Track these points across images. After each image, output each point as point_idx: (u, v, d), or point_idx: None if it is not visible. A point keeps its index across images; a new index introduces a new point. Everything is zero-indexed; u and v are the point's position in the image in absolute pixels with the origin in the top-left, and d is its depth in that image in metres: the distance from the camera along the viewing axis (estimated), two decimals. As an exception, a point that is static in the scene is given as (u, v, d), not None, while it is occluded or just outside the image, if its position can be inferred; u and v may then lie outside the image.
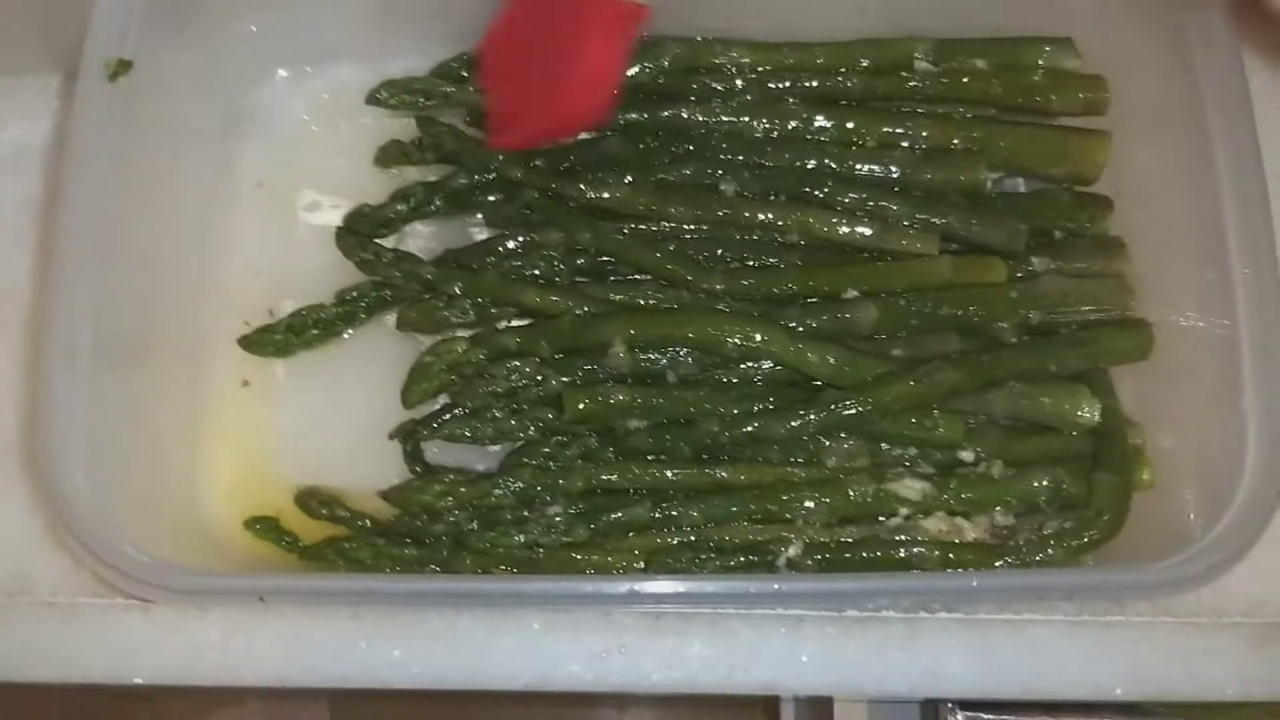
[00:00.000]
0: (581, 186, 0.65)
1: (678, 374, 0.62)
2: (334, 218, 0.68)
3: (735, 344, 0.61)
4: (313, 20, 0.69)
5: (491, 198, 0.66)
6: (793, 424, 0.61)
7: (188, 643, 0.60)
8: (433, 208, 0.67)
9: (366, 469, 0.64)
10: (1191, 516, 0.57)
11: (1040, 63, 0.67)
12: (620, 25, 0.62)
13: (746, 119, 0.66)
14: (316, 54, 0.71)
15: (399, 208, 0.66)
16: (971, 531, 0.60)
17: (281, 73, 0.71)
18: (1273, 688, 0.60)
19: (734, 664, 0.59)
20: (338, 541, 0.61)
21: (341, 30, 0.69)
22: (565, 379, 0.62)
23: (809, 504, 0.60)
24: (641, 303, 0.64)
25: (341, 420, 0.66)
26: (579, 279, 0.65)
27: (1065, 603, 0.61)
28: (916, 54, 0.67)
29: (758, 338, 0.61)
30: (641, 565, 0.60)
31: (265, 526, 0.63)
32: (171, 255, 0.65)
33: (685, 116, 0.67)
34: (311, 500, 0.63)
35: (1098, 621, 0.61)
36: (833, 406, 0.60)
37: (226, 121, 0.70)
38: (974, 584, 0.55)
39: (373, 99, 0.68)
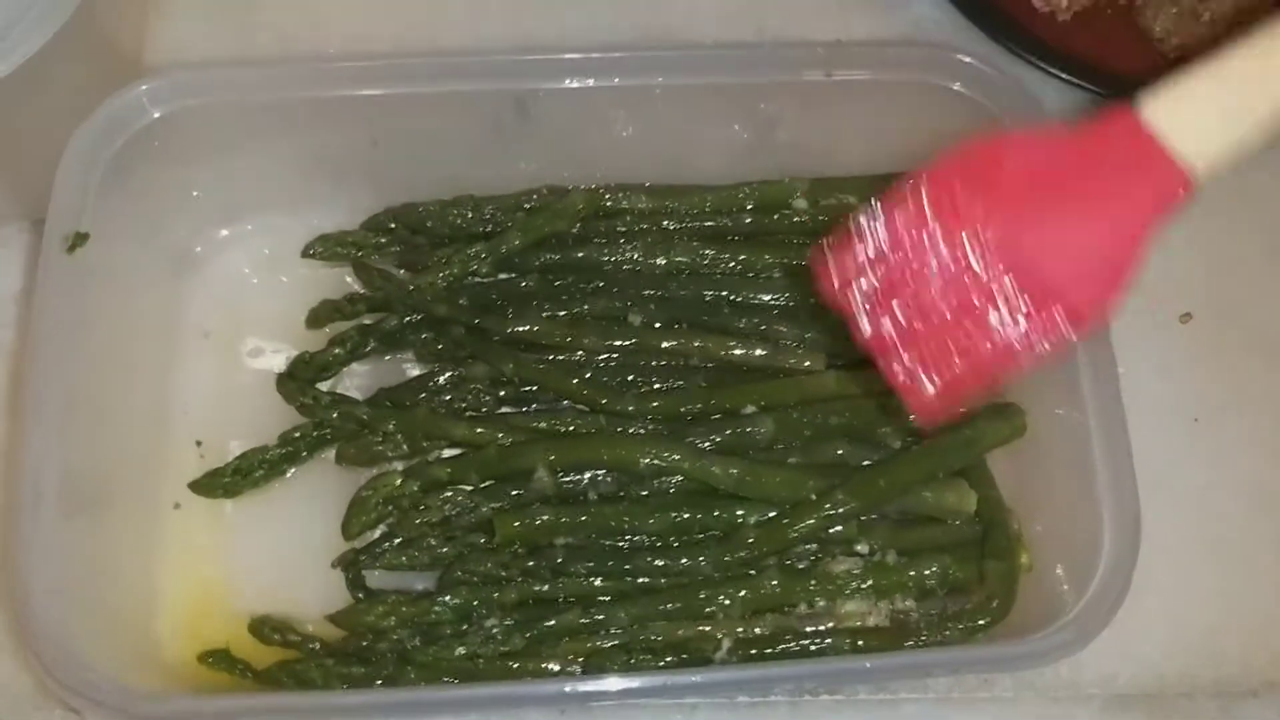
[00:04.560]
0: (504, 321, 0.71)
1: (598, 492, 0.68)
2: (276, 362, 0.74)
3: (647, 464, 0.67)
4: (250, 183, 0.75)
5: (422, 335, 0.72)
6: (707, 533, 0.67)
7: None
8: (368, 349, 0.72)
9: (314, 595, 0.68)
10: (1066, 593, 0.63)
11: (907, 195, 0.75)
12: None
13: (649, 257, 0.73)
14: (255, 212, 0.77)
15: (336, 351, 0.72)
16: (873, 618, 0.66)
17: (223, 231, 0.77)
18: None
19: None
20: (289, 664, 0.65)
21: (277, 191, 0.76)
22: (495, 505, 0.67)
23: (725, 600, 0.65)
24: (561, 429, 0.69)
25: (289, 551, 0.70)
26: (504, 408, 0.71)
27: (938, 681, 0.66)
28: (795, 195, 0.74)
29: (667, 456, 0.67)
30: (578, 669, 0.65)
31: (218, 659, 0.66)
32: (128, 402, 0.70)
33: (595, 256, 0.73)
34: (264, 628, 0.67)
35: (966, 697, 0.67)
36: (740, 520, 0.66)
37: (175, 277, 0.76)
38: (867, 665, 0.61)
39: (307, 253, 0.74)
